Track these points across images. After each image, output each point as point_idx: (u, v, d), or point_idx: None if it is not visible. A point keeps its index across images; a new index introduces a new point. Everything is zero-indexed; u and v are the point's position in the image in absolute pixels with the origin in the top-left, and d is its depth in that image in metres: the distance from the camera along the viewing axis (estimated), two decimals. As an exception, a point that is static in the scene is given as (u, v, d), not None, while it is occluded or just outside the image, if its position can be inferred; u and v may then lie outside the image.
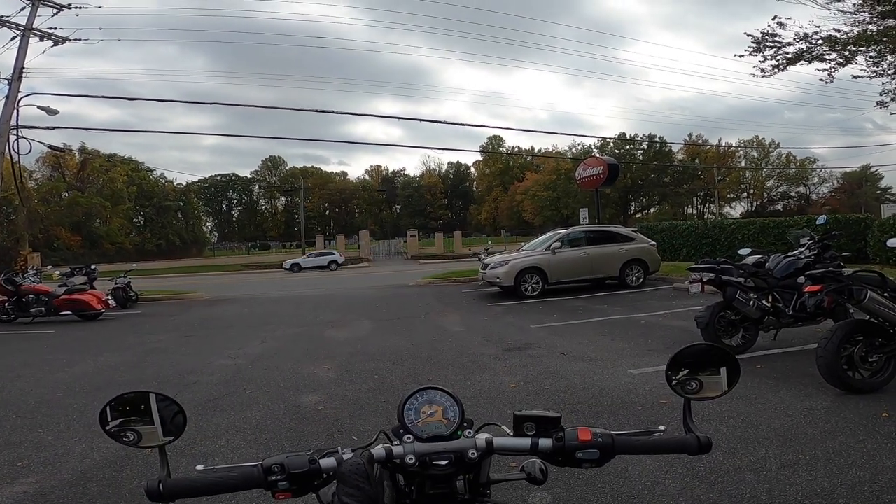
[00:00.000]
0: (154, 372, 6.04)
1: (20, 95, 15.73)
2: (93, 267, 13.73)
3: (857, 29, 13.32)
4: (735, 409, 3.71)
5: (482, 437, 0.94)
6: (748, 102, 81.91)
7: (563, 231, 12.86)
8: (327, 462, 0.88)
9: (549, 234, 12.94)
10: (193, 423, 3.99)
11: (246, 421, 4.12)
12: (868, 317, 4.04)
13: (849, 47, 13.51)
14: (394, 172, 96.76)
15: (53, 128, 17.31)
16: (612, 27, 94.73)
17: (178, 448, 3.40)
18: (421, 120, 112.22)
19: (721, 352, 1.01)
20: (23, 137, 15.70)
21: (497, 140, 78.12)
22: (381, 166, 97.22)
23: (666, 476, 2.77)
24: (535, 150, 72.65)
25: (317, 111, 53.21)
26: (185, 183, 72.58)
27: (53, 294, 10.87)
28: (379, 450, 0.91)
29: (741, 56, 15.02)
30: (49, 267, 18.73)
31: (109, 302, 11.31)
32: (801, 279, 5.21)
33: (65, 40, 16.36)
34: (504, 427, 1.01)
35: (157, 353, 7.17)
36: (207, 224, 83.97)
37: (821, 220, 6.63)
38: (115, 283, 13.20)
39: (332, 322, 9.35)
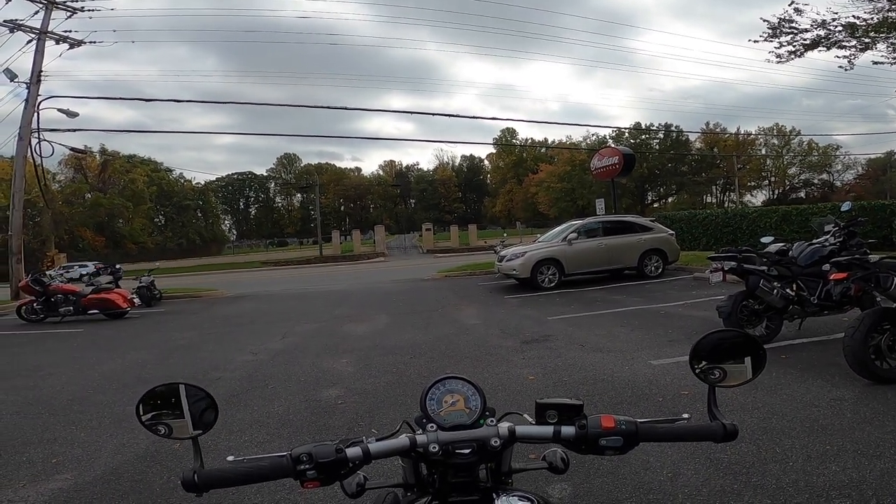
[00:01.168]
0: (179, 368, 6.18)
1: (39, 99, 16.02)
2: (118, 266, 14.05)
3: (877, 16, 12.90)
4: (760, 400, 3.66)
5: (504, 426, 0.94)
6: (764, 90, 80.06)
7: (579, 221, 12.76)
8: (353, 451, 0.90)
9: (565, 225, 12.85)
10: (218, 419, 4.08)
11: (269, 415, 4.19)
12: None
13: (870, 34, 13.09)
14: (407, 167, 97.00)
15: (74, 130, 17.62)
16: (622, 17, 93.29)
17: (204, 443, 3.47)
18: (433, 114, 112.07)
19: (746, 338, 1.00)
20: (44, 140, 16.00)
21: (510, 132, 77.63)
22: (394, 161, 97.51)
23: (688, 466, 2.75)
24: (549, 141, 72.11)
25: (329, 108, 53.10)
26: (203, 182, 73.88)
27: (81, 293, 11.15)
28: (403, 439, 0.93)
29: (756, 42, 14.70)
30: (75, 267, 19.18)
31: (135, 300, 11.57)
32: (827, 267, 5.10)
33: (80, 43, 16.59)
34: (526, 416, 1.02)
35: (182, 350, 7.32)
36: (226, 222, 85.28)
37: (845, 206, 6.44)
38: (140, 282, 13.48)
39: (351, 316, 9.44)
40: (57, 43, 16.35)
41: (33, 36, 15.87)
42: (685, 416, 0.97)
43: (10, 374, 6.29)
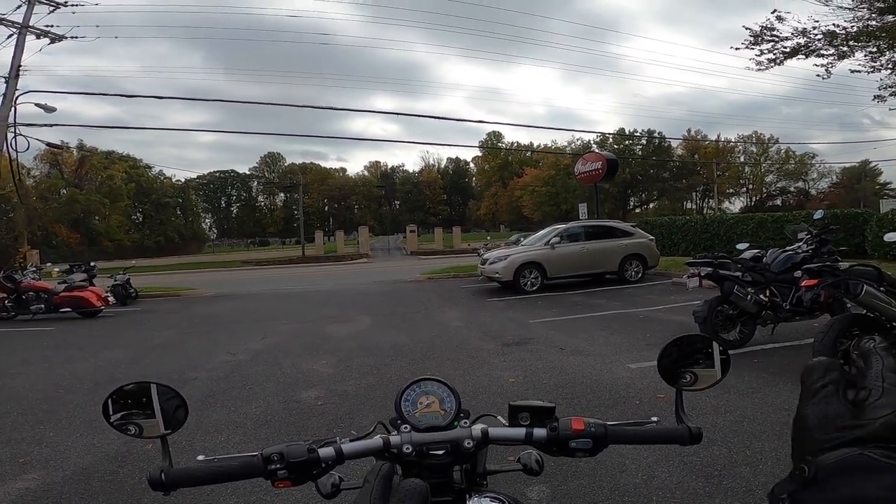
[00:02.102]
0: (154, 368, 6.06)
1: (17, 93, 15.72)
2: (92, 264, 13.72)
3: (857, 25, 13.27)
4: (732, 404, 3.74)
5: (478, 427, 0.94)
6: (746, 98, 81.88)
7: (562, 226, 12.88)
8: (326, 451, 0.90)
9: (548, 229, 12.96)
10: (194, 419, 4.01)
11: (246, 416, 4.14)
12: (865, 311, 4.06)
13: (849, 42, 13.46)
14: (393, 168, 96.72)
15: (51, 125, 17.20)
16: (607, 22, 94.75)
17: (179, 444, 3.43)
18: (419, 116, 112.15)
19: (711, 341, 1.02)
20: (20, 135, 15.69)
21: (496, 136, 78.03)
22: (379, 162, 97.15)
23: (662, 469, 2.80)
24: (534, 145, 72.66)
25: (315, 107, 52.98)
26: (183, 180, 72.55)
27: (53, 291, 10.88)
28: (377, 440, 0.93)
29: (737, 49, 14.98)
30: (48, 264, 18.72)
31: (109, 299, 11.33)
32: (799, 273, 5.23)
33: (61, 38, 16.29)
34: (500, 417, 1.02)
35: (158, 350, 7.19)
36: (206, 221, 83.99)
37: (818, 214, 6.63)
38: (115, 280, 13.20)
39: (332, 317, 9.37)
40: (38, 38, 16.12)
41: (14, 30, 15.60)
42: (654, 419, 0.99)
43: (-22, 373, 6.10)
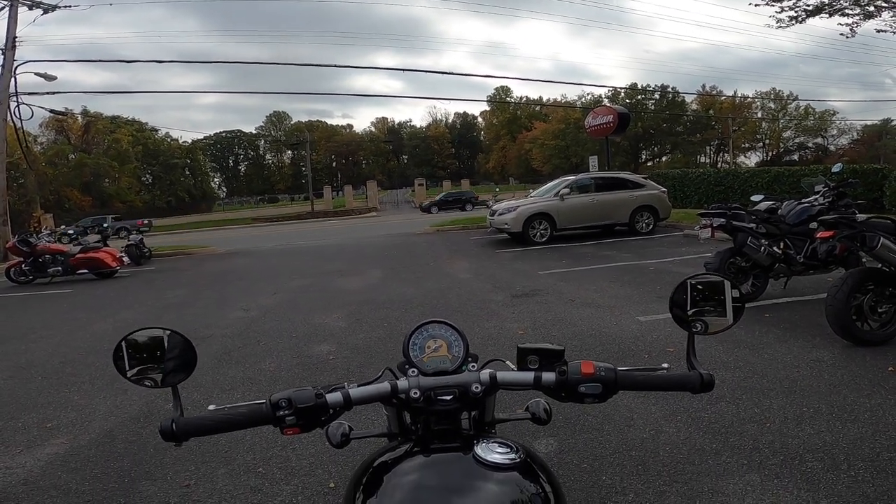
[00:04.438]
0: (170, 326, 6.17)
1: (16, 64, 15.94)
2: (105, 225, 13.87)
3: None
4: (741, 359, 3.74)
5: (486, 372, 0.93)
6: (761, 55, 78.74)
7: (572, 177, 12.69)
8: (333, 397, 0.89)
9: (557, 181, 12.79)
10: (209, 376, 4.13)
11: (260, 372, 4.24)
12: (880, 265, 3.97)
13: (876, 2, 12.71)
14: (400, 124, 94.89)
15: (53, 93, 17.78)
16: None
17: (196, 401, 3.53)
18: (425, 71, 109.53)
19: (724, 282, 0.99)
20: (23, 104, 16.10)
21: (505, 90, 75.88)
22: (386, 118, 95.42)
23: (670, 424, 2.83)
24: (544, 100, 70.62)
25: (318, 65, 51.77)
26: (190, 141, 72.02)
27: (69, 253, 11.03)
28: (384, 384, 0.92)
29: (757, 5, 14.25)
30: (62, 227, 18.98)
31: (124, 259, 11.49)
32: (814, 225, 5.11)
33: (54, 7, 16.51)
34: (508, 362, 1.01)
35: (173, 308, 7.33)
36: (215, 180, 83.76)
37: (837, 168, 6.39)
38: (129, 240, 13.35)
39: (342, 272, 9.45)
40: (30, 8, 16.12)
41: (5, 3, 15.65)
42: (665, 365, 0.97)
43: (1, 338, 6.25)
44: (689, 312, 0.98)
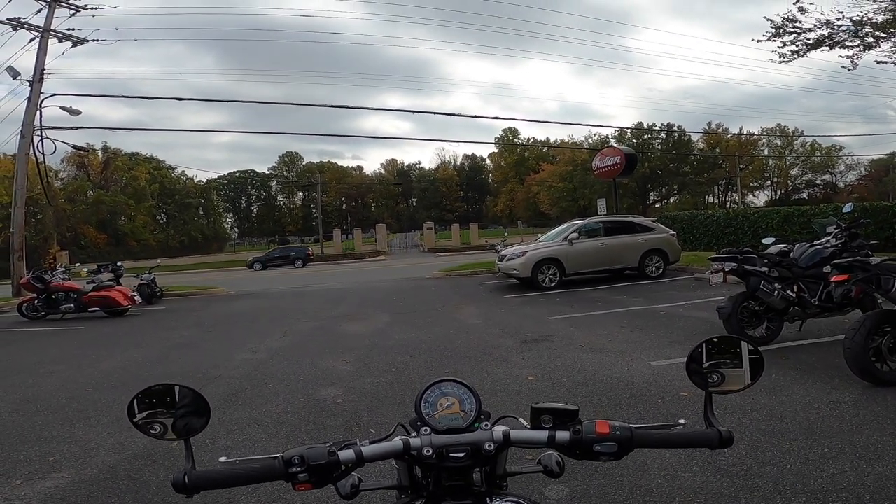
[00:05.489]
0: (179, 367, 6.18)
1: (42, 97, 16.06)
2: (119, 264, 14.05)
3: (884, 16, 12.87)
4: (759, 402, 3.64)
5: (499, 430, 0.93)
6: (764, 90, 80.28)
7: (580, 221, 12.75)
8: (346, 454, 0.89)
9: (566, 225, 12.83)
10: (216, 417, 4.06)
11: (267, 414, 4.19)
12: None
13: (875, 33, 13.07)
14: (409, 166, 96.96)
15: (76, 128, 17.64)
16: (619, 16, 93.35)
17: (201, 442, 3.48)
18: (434, 113, 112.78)
19: (744, 343, 0.99)
20: (47, 138, 16.09)
21: (512, 132, 77.68)
22: (396, 160, 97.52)
23: (685, 469, 2.74)
24: (551, 141, 72.12)
25: (331, 106, 53.47)
26: (205, 180, 73.89)
27: (82, 291, 11.16)
28: (397, 442, 0.92)
29: (759, 41, 14.72)
30: (77, 264, 19.23)
31: (136, 298, 11.59)
32: (828, 268, 5.07)
33: (83, 41, 16.61)
34: (521, 420, 1.01)
35: (182, 348, 7.33)
36: (228, 220, 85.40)
37: (847, 207, 6.41)
38: (141, 280, 13.50)
39: (351, 315, 9.43)
40: (59, 41, 16.39)
41: (36, 34, 15.89)
42: (681, 421, 0.97)
43: (10, 371, 6.30)
44: (706, 369, 0.98)
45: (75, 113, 16.68)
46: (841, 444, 2.89)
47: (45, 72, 16.04)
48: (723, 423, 0.93)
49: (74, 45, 16.56)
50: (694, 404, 3.64)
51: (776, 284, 5.14)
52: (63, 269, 12.67)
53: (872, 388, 3.73)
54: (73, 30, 16.47)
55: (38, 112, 15.92)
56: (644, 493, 2.55)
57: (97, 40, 16.92)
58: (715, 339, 1.00)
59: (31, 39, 15.94)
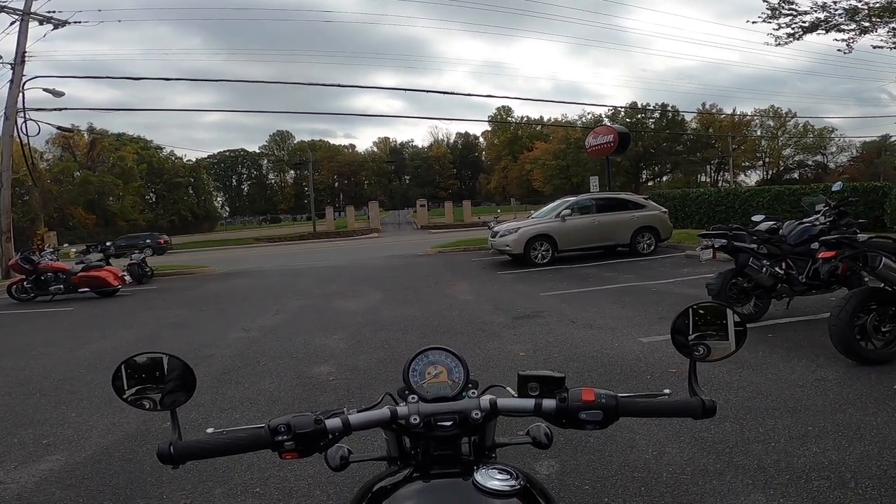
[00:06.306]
0: (170, 346, 6.15)
1: (24, 79, 15.98)
2: (108, 244, 13.91)
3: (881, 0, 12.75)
4: (745, 379, 3.71)
5: (486, 398, 0.93)
6: (759, 72, 79.48)
7: (573, 198, 12.74)
8: (333, 422, 0.89)
9: (558, 202, 12.84)
10: (209, 396, 4.10)
11: (259, 393, 4.21)
12: (883, 285, 3.96)
13: (872, 18, 12.95)
14: (402, 144, 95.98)
15: (60, 109, 17.45)
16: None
17: (195, 421, 3.49)
18: (427, 91, 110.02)
19: (726, 309, 0.99)
20: (30, 119, 16.08)
21: (506, 110, 76.90)
22: (388, 138, 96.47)
23: (673, 445, 2.80)
24: (545, 119, 71.55)
25: (322, 84, 52.64)
26: (194, 159, 72.72)
27: (71, 272, 11.06)
28: (384, 410, 0.92)
29: (754, 23, 14.55)
30: (65, 245, 19.04)
31: (126, 278, 11.50)
32: (815, 245, 5.11)
33: (64, 23, 16.45)
34: (509, 388, 1.01)
35: (174, 328, 7.31)
36: (218, 199, 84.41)
37: (837, 186, 6.44)
38: (131, 259, 13.39)
39: (343, 293, 9.44)
40: (41, 24, 16.20)
41: (17, 17, 15.70)
42: (666, 391, 0.97)
43: (1, 354, 6.25)
44: (691, 338, 0.98)
45: (59, 95, 16.62)
46: (824, 423, 2.93)
47: (26, 54, 15.95)
48: (707, 394, 0.93)
49: (56, 27, 16.41)
50: (682, 380, 3.64)
51: (765, 261, 5.18)
52: (51, 250, 12.51)
53: (857, 367, 3.77)
54: (55, 12, 16.27)
55: (20, 94, 15.87)
56: (632, 469, 2.59)
57: (79, 22, 16.72)
58: (699, 306, 0.99)
59: (12, 23, 15.81)
